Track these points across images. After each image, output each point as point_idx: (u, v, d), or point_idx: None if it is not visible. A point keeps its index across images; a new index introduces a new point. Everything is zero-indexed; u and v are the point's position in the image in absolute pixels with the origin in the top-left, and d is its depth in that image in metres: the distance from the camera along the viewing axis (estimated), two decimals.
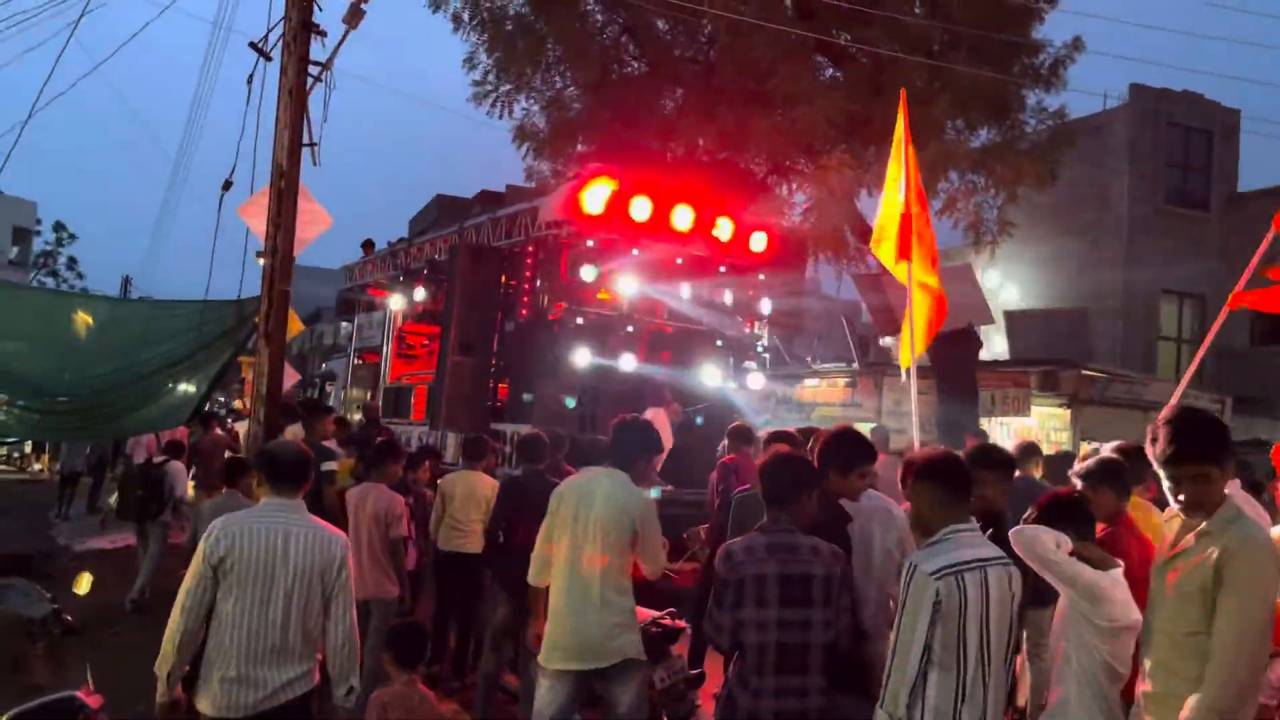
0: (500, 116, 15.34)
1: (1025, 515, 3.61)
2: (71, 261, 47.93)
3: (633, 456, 4.66)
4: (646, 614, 4.97)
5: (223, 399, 27.78)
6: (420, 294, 13.18)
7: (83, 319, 8.47)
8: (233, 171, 8.30)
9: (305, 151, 8.08)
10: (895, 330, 12.88)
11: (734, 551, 3.69)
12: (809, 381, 16.47)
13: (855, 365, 16.34)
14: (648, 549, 4.46)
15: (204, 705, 3.57)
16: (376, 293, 15.68)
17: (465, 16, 15.02)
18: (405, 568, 6.26)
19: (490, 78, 15.16)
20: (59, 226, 48.41)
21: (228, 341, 8.30)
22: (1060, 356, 14.87)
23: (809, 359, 18.61)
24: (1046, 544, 3.35)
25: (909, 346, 7.01)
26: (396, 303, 13.83)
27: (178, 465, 10.14)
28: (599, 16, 15.19)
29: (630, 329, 10.46)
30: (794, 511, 3.72)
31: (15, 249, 44.13)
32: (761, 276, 11.35)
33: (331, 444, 8.09)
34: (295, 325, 9.68)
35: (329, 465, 7.53)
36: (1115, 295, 20.36)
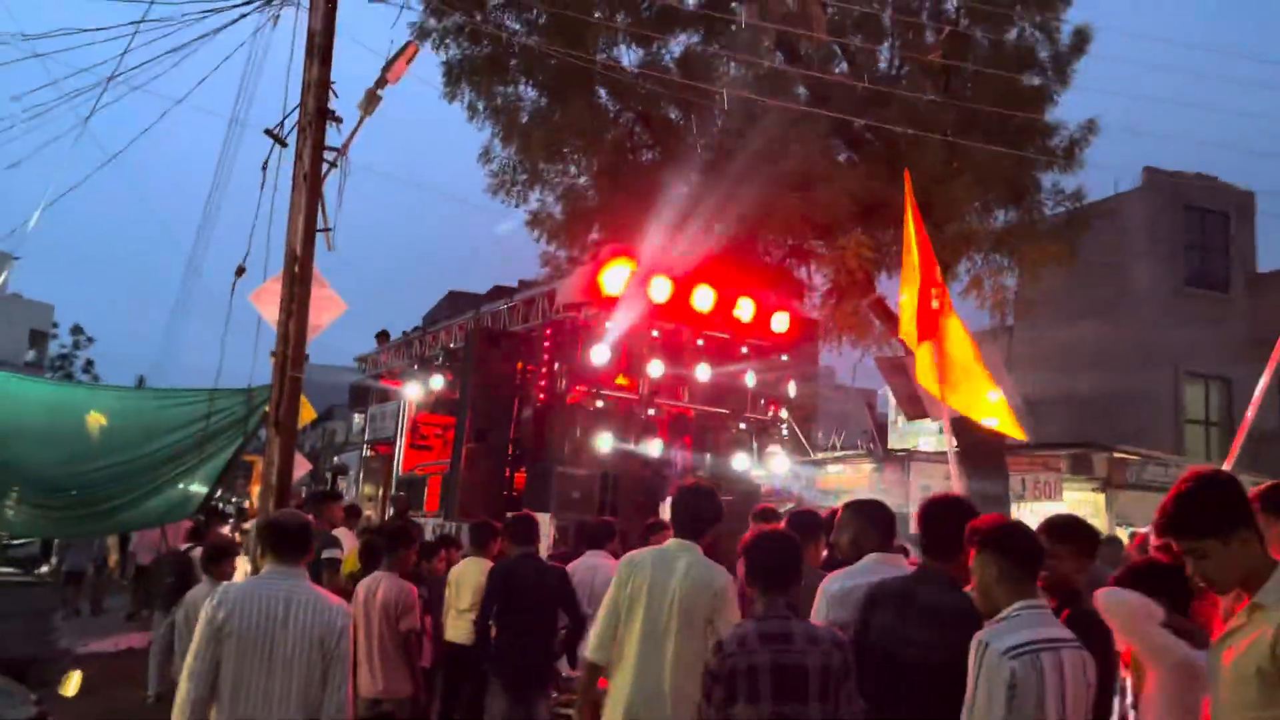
0: (516, 205, 15.36)
1: (1113, 576, 3.25)
2: (88, 364, 48.17)
3: (703, 527, 4.21)
4: None
5: (233, 499, 27.31)
6: (436, 382, 12.98)
7: (95, 419, 8.36)
8: (245, 258, 8.05)
9: (319, 238, 8.05)
10: (921, 414, 12.56)
11: (723, 642, 3.37)
12: (831, 468, 16.09)
13: (876, 450, 15.96)
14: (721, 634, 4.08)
15: None
16: (390, 383, 15.51)
17: (480, 106, 15.21)
18: (418, 662, 5.84)
19: (506, 169, 15.25)
20: (76, 330, 48.73)
21: (236, 431, 8.15)
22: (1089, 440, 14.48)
23: (830, 444, 18.22)
24: (1137, 609, 3.00)
25: (944, 398, 6.63)
26: (411, 392, 13.63)
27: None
28: (612, 107, 15.34)
29: (651, 412, 10.17)
30: (792, 596, 3.45)
31: (32, 352, 44.44)
32: (784, 358, 11.11)
33: (342, 532, 7.74)
34: (308, 413, 9.48)
35: (332, 553, 7.17)
36: (1138, 379, 20.00)
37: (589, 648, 4.24)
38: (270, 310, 7.48)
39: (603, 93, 15.49)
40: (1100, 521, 13.83)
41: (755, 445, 10.90)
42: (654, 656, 3.94)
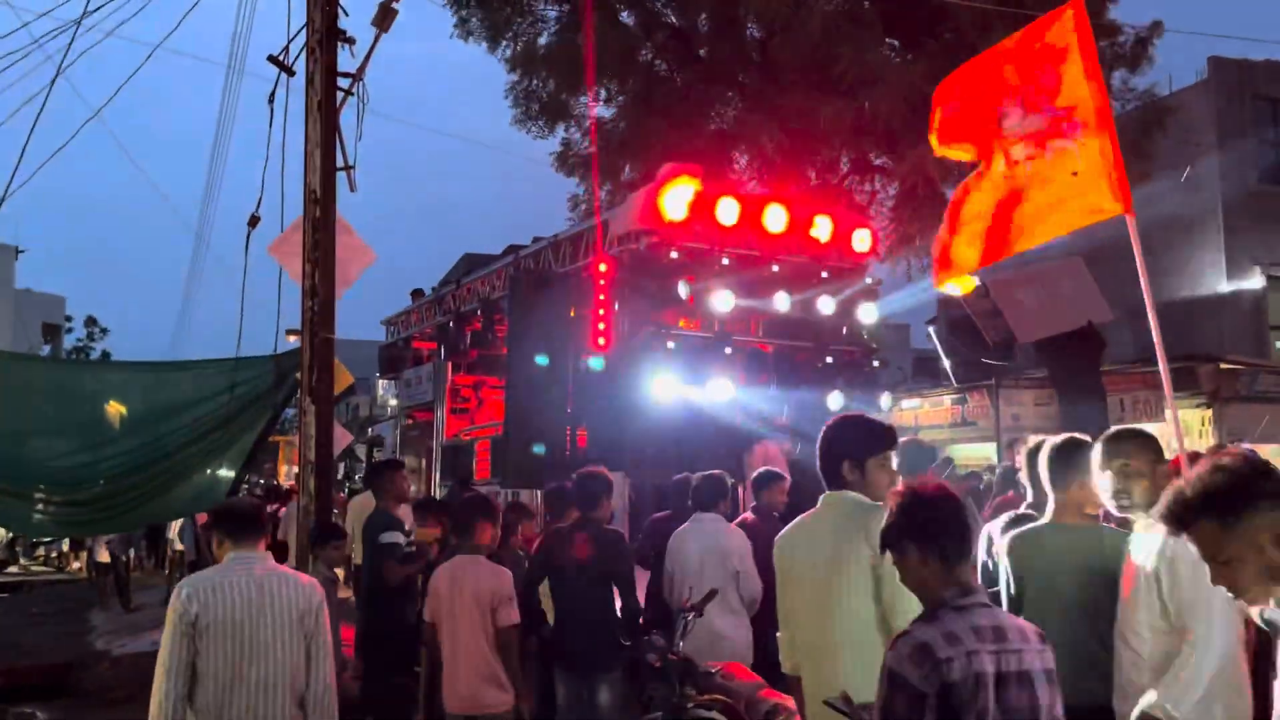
0: (542, 137, 14.13)
1: None
2: (105, 357, 47.26)
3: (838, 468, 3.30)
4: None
5: (260, 480, 26.22)
6: (477, 338, 11.80)
7: (115, 409, 7.61)
8: (258, 205, 7.31)
9: (340, 180, 6.94)
10: (1005, 335, 11.36)
11: (930, 643, 2.28)
12: (905, 403, 14.97)
13: (950, 381, 14.76)
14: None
15: None
16: (423, 344, 14.38)
17: (494, 34, 13.93)
18: (520, 667, 4.74)
19: (528, 96, 13.97)
20: (91, 321, 47.94)
21: (263, 405, 7.34)
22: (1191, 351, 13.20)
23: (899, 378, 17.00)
24: None
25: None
26: (448, 351, 12.46)
27: None
28: (636, 26, 13.95)
29: (728, 351, 8.96)
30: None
31: (47, 346, 43.63)
32: (868, 280, 9.87)
33: (405, 510, 6.59)
34: (345, 378, 8.55)
35: (391, 537, 6.06)
36: (1216, 285, 18.64)
37: (783, 663, 3.35)
38: (292, 262, 6.61)
39: (625, 12, 14.15)
40: (1208, 440, 12.63)
41: (841, 381, 9.68)
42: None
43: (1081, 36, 4.05)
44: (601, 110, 14.63)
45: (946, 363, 14.97)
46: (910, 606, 2.67)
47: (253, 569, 3.63)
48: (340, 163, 6.62)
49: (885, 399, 9.86)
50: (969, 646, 2.26)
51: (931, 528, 2.41)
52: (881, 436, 3.29)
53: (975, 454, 11.62)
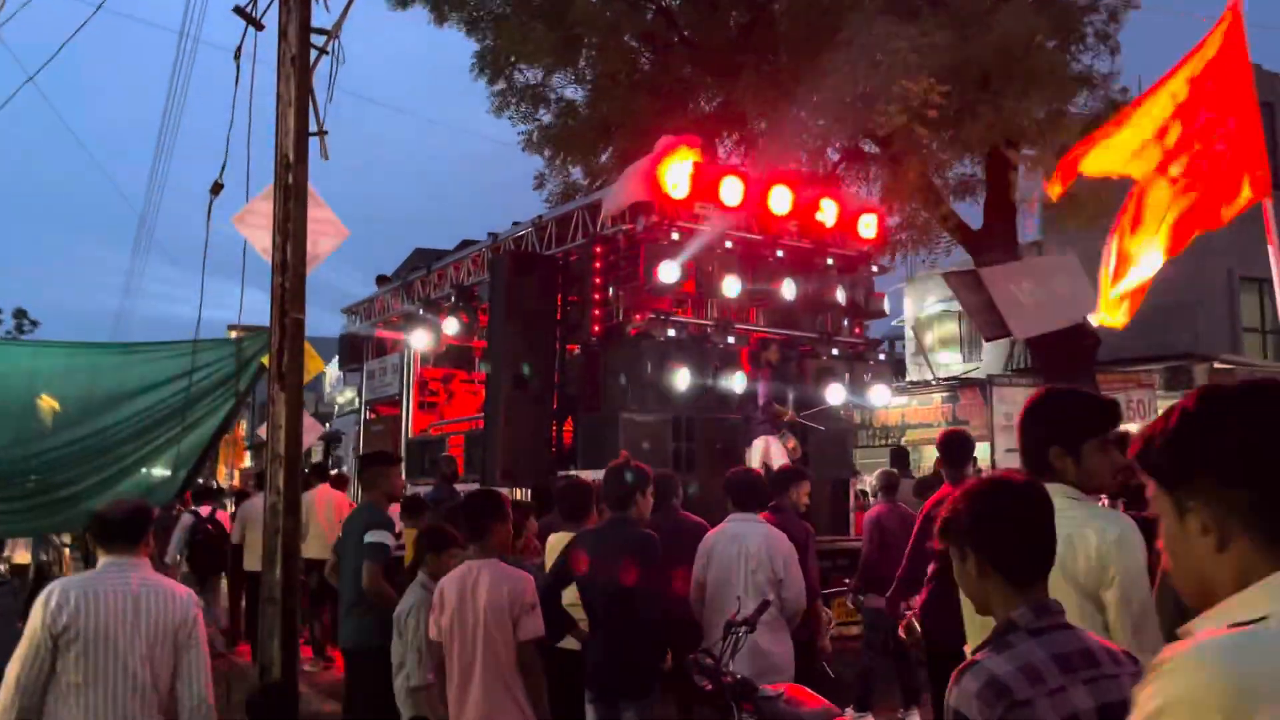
0: (520, 122, 13.32)
1: None
2: None
3: None
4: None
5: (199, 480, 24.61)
6: (450, 327, 11.06)
7: (48, 404, 6.91)
8: (222, 171, 6.62)
9: (311, 146, 6.26)
10: (1001, 331, 10.96)
11: (1002, 679, 1.76)
12: (893, 400, 14.55)
13: (933, 377, 14.37)
14: None
15: None
16: (388, 334, 13.58)
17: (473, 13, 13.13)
18: (544, 688, 4.06)
19: (506, 83, 13.12)
20: (20, 313, 45.83)
21: (225, 392, 6.70)
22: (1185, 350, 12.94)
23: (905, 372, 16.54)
24: None
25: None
26: (419, 341, 11.69)
27: None
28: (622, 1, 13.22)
29: (731, 340, 8.36)
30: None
31: None
32: (875, 268, 9.36)
33: (394, 510, 5.85)
34: (315, 363, 7.76)
35: (379, 536, 5.38)
36: (1188, 286, 18.56)
37: None
38: (258, 234, 6.01)
39: None
40: None
41: (847, 375, 9.14)
42: None
43: (1230, 35, 4.16)
44: (572, 92, 13.95)
45: (927, 359, 14.61)
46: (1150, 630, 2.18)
47: (128, 577, 3.45)
48: (313, 127, 5.95)
49: (884, 393, 9.35)
50: (1053, 684, 1.75)
51: (997, 530, 1.90)
52: (1101, 413, 2.63)
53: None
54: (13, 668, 3.26)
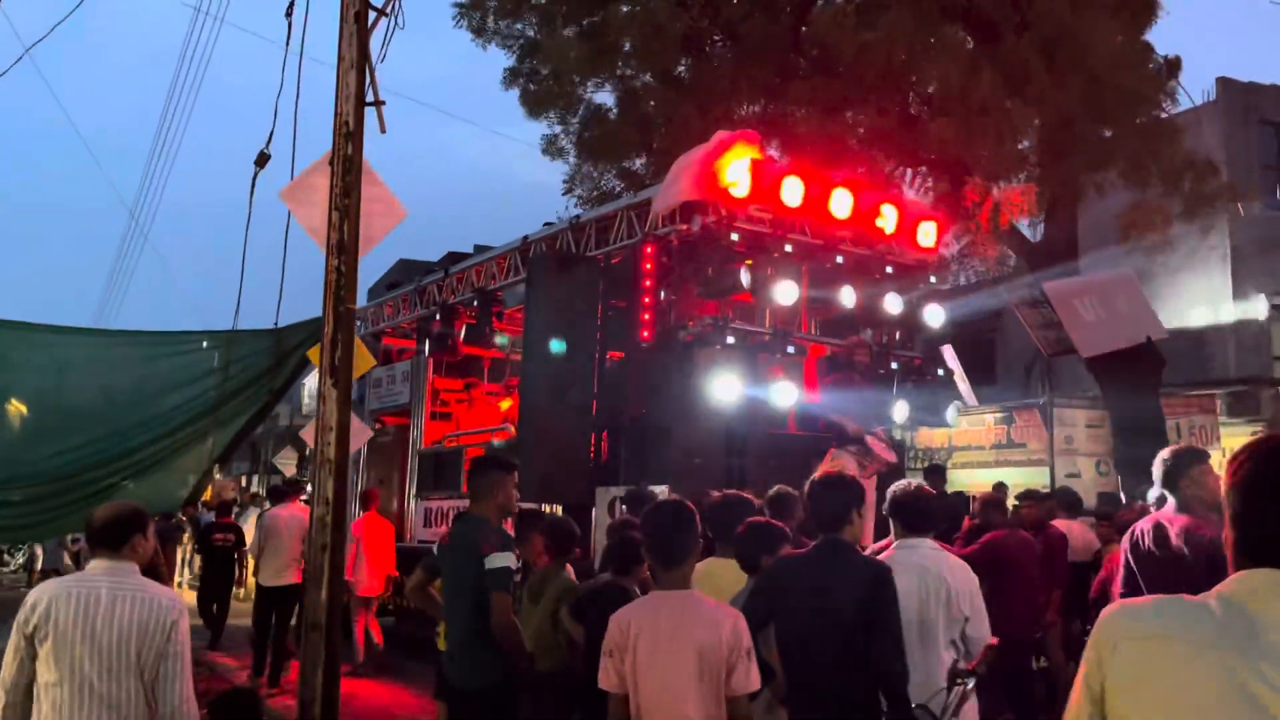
0: (557, 124, 13.17)
1: None
2: None
3: None
4: None
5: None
6: (469, 333, 10.74)
7: (16, 408, 6.57)
8: (269, 141, 6.31)
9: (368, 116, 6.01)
10: (1065, 348, 10.77)
11: None
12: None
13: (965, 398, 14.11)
14: None
15: None
16: (394, 341, 13.20)
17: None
18: None
19: (541, 84, 12.93)
20: None
21: (259, 389, 6.46)
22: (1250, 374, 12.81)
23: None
24: None
25: None
26: (431, 348, 11.34)
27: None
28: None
29: (791, 351, 8.07)
30: None
31: None
32: (933, 280, 9.15)
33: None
34: (366, 359, 7.44)
35: (501, 560, 4.36)
36: (1223, 312, 18.53)
37: None
38: (310, 212, 5.60)
39: None
40: None
41: (896, 390, 8.87)
42: None
43: None
44: (604, 96, 13.77)
45: (964, 385, 14.36)
46: None
47: (106, 580, 3.51)
48: (369, 96, 5.64)
49: (953, 412, 9.08)
50: None
51: None
52: None
53: (1025, 479, 10.99)
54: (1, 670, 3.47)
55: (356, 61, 5.54)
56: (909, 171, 12.21)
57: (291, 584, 9.16)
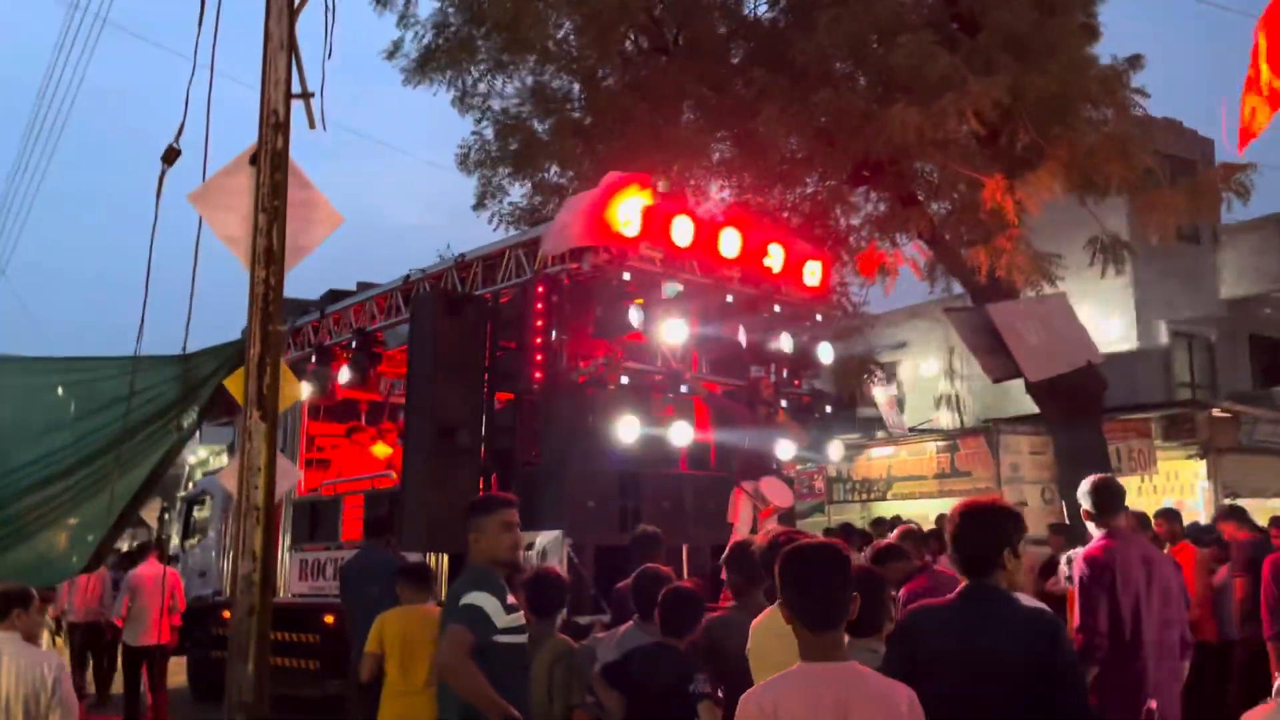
0: (478, 121, 13.73)
1: None
2: None
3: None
4: None
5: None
6: (346, 376, 11.43)
7: None
8: (179, 134, 5.93)
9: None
10: (1008, 373, 11.68)
11: None
12: (876, 451, 15.33)
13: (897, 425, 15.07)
14: None
15: None
16: None
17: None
18: None
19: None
20: None
21: (164, 425, 6.39)
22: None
23: (890, 422, 17.32)
24: None
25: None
26: (306, 392, 11.96)
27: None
28: None
29: (684, 390, 9.08)
30: None
31: None
32: (819, 317, 10.30)
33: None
34: (292, 389, 7.40)
35: (469, 599, 4.28)
36: (1127, 339, 20.46)
37: None
38: (225, 217, 5.40)
39: None
40: (1201, 494, 13.36)
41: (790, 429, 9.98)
42: None
43: None
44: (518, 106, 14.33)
45: (896, 405, 15.54)
46: None
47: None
48: (297, 88, 5.53)
49: (836, 448, 10.22)
50: None
51: None
52: None
53: None
54: None
55: (286, 41, 5.37)
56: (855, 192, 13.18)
57: (160, 643, 9.78)
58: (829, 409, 10.19)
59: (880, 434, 18.70)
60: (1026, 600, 3.57)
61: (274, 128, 5.30)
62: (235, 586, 5.13)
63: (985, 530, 3.45)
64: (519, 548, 4.46)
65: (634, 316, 8.50)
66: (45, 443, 6.21)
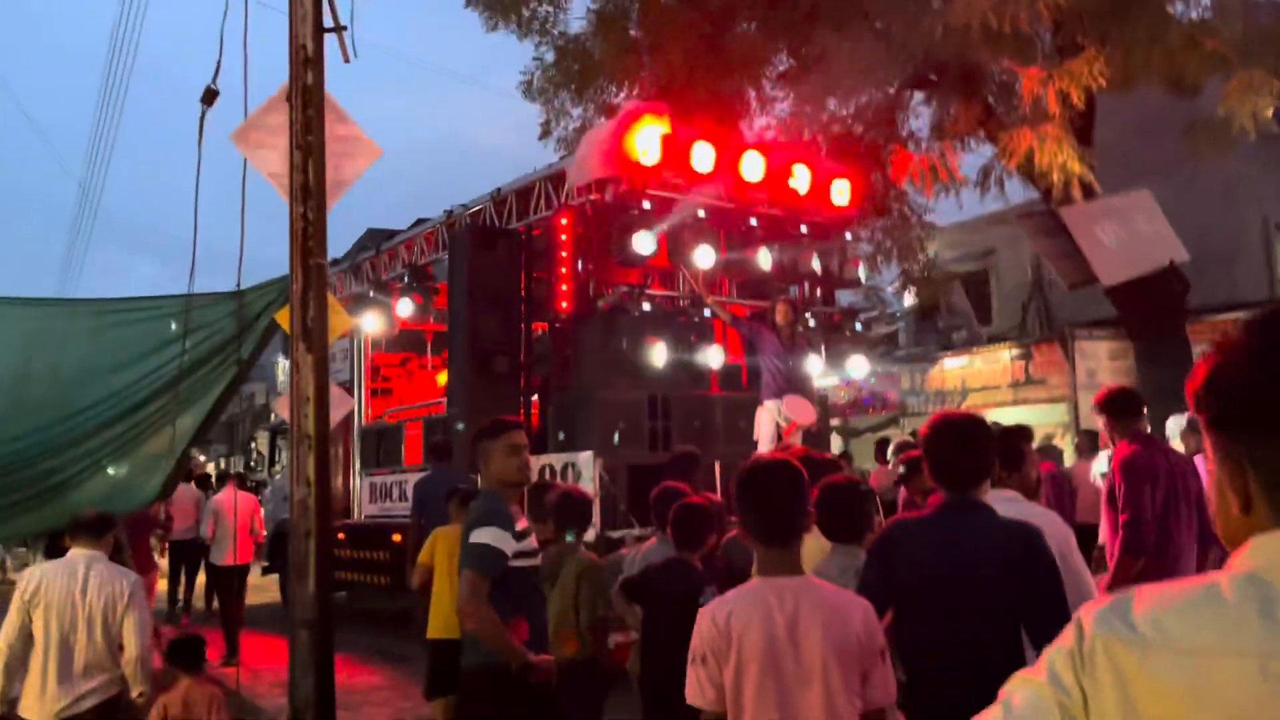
0: (526, 35, 14.01)
1: None
2: None
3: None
4: None
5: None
6: (404, 309, 12.18)
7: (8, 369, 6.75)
8: (216, 74, 5.98)
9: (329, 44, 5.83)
10: (1083, 277, 11.50)
11: None
12: (950, 362, 15.41)
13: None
14: None
15: (27, 713, 5.03)
16: None
17: None
18: None
19: None
20: None
21: (224, 360, 6.63)
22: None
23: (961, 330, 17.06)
24: None
25: None
26: (369, 325, 12.79)
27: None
28: None
29: (707, 313, 9.56)
30: None
31: None
32: (848, 236, 10.60)
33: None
34: (341, 321, 7.26)
35: (477, 536, 4.28)
36: (1219, 236, 19.91)
37: None
38: (266, 155, 5.59)
39: None
40: None
41: (823, 346, 10.38)
42: None
43: None
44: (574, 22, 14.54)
45: (971, 314, 15.38)
46: None
47: (84, 562, 5.20)
48: (329, 21, 5.59)
49: (862, 364, 10.57)
50: None
51: None
52: None
53: (1046, 419, 12.01)
54: (5, 627, 5.07)
55: None
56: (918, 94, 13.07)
57: (238, 564, 10.84)
58: (859, 326, 10.49)
59: (957, 339, 18.58)
60: (1015, 510, 3.59)
61: (304, 63, 5.30)
62: (293, 511, 5.34)
63: (962, 444, 3.44)
64: (527, 469, 4.51)
65: (653, 244, 8.92)
66: (113, 381, 6.61)
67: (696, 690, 2.96)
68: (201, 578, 13.72)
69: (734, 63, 12.91)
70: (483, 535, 4.19)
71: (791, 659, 2.85)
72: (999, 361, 14.81)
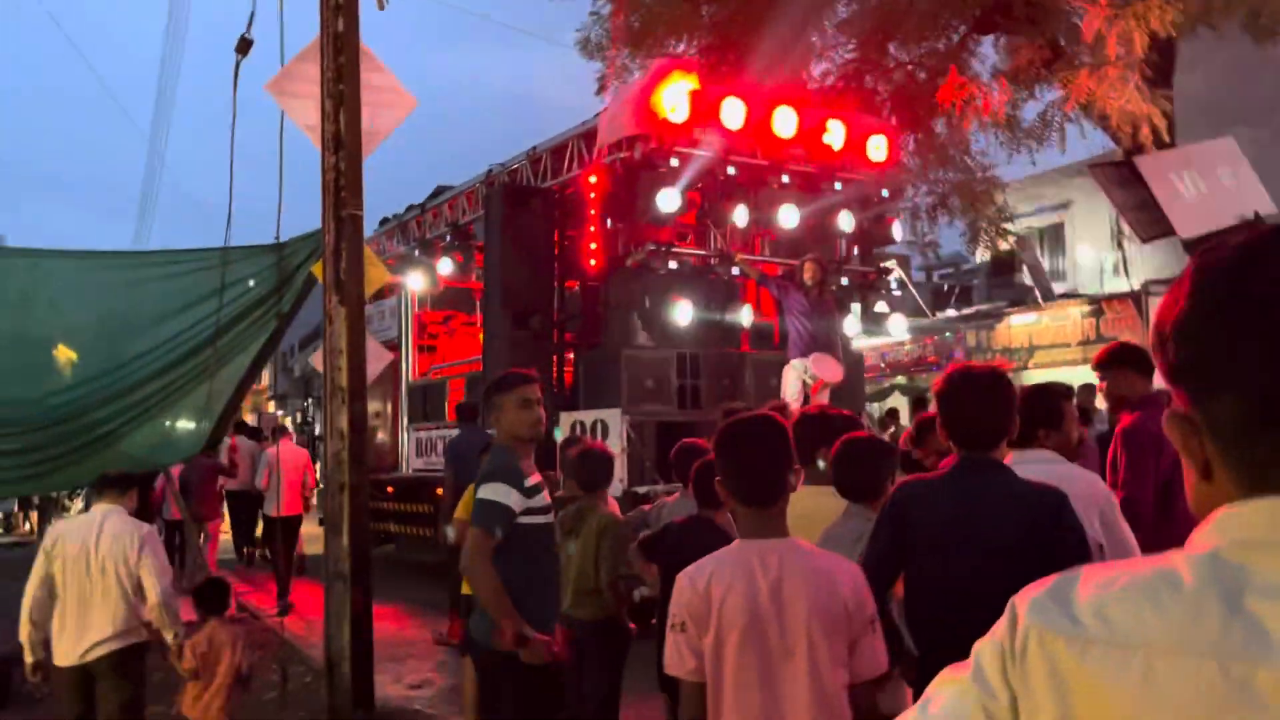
0: None
1: None
2: None
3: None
4: None
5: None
6: (445, 267, 12.56)
7: (65, 354, 6.92)
8: (250, 24, 6.12)
9: None
10: (1160, 230, 11.33)
11: None
12: (1016, 319, 15.34)
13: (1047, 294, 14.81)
14: None
15: (56, 659, 5.35)
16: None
17: None
18: None
19: None
20: None
21: (265, 313, 6.68)
22: None
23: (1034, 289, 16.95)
24: None
25: None
26: (415, 282, 13.20)
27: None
28: None
29: (736, 271, 9.75)
30: None
31: None
32: (885, 192, 10.66)
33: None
34: (378, 273, 7.24)
35: (484, 492, 4.21)
36: None
37: None
38: (301, 105, 5.64)
39: None
40: None
41: (858, 304, 10.52)
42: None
43: None
44: None
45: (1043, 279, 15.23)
46: None
47: (101, 516, 5.50)
48: None
49: (900, 323, 10.67)
50: None
51: None
52: None
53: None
54: (31, 576, 5.45)
55: None
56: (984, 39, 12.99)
57: (290, 514, 11.35)
58: (895, 287, 10.57)
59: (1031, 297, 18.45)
60: (1053, 471, 3.45)
61: (334, 10, 5.24)
62: (326, 464, 5.40)
63: (982, 400, 3.23)
64: (540, 424, 4.36)
65: (680, 201, 9.11)
66: (156, 333, 6.71)
67: (675, 658, 2.82)
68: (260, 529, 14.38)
69: (797, 9, 12.89)
70: (489, 491, 4.11)
71: (775, 626, 2.72)
72: (1069, 318, 14.58)
